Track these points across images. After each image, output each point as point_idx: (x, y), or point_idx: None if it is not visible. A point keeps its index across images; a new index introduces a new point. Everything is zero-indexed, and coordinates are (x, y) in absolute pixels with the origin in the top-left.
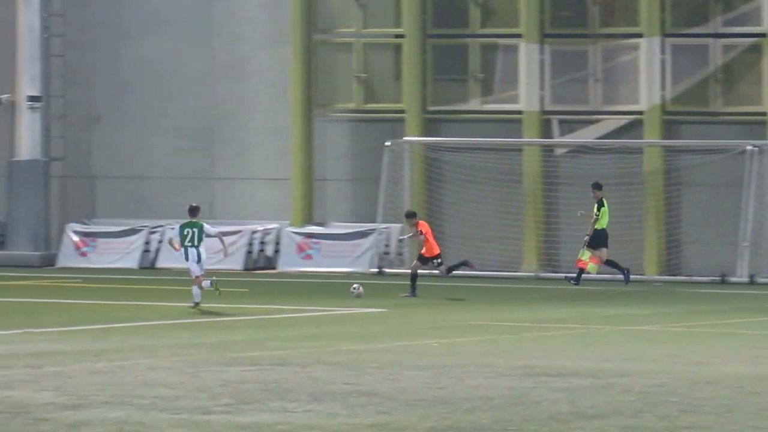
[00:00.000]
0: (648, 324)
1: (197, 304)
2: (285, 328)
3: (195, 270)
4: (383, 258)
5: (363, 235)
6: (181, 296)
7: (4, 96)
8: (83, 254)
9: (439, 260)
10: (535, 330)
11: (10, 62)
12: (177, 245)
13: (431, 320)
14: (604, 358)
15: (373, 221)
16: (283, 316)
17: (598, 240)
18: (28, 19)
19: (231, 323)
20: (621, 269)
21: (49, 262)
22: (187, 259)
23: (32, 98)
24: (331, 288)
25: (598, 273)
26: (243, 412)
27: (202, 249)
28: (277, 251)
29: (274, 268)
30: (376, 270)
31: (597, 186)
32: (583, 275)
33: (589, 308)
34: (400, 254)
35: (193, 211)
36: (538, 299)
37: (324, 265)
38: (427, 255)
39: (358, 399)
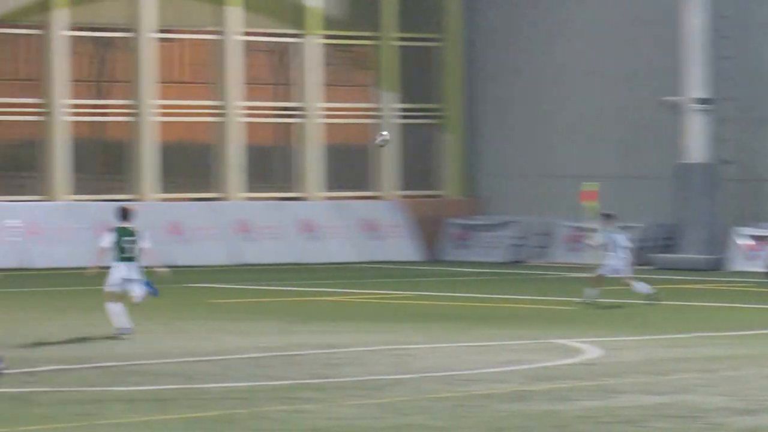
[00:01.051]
0: None
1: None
2: None
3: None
4: None
5: None
6: None
7: (669, 98)
8: (752, 258)
9: None
10: None
11: (675, 64)
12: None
13: None
14: None
15: None
16: None
17: None
18: (696, 21)
19: None
20: None
21: (716, 265)
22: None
23: (700, 100)
24: None
25: None
26: None
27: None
28: None
29: None
30: None
31: None
32: None
33: None
34: None
35: None
36: None
37: None
38: None
39: None
